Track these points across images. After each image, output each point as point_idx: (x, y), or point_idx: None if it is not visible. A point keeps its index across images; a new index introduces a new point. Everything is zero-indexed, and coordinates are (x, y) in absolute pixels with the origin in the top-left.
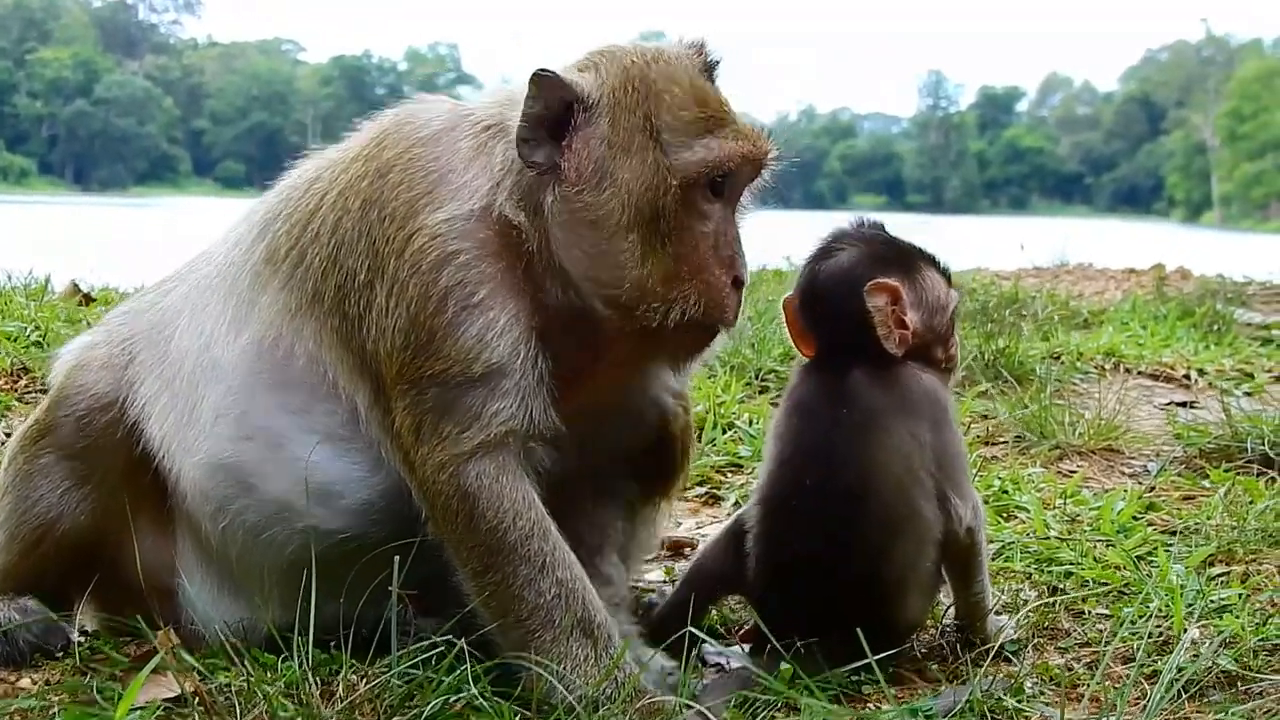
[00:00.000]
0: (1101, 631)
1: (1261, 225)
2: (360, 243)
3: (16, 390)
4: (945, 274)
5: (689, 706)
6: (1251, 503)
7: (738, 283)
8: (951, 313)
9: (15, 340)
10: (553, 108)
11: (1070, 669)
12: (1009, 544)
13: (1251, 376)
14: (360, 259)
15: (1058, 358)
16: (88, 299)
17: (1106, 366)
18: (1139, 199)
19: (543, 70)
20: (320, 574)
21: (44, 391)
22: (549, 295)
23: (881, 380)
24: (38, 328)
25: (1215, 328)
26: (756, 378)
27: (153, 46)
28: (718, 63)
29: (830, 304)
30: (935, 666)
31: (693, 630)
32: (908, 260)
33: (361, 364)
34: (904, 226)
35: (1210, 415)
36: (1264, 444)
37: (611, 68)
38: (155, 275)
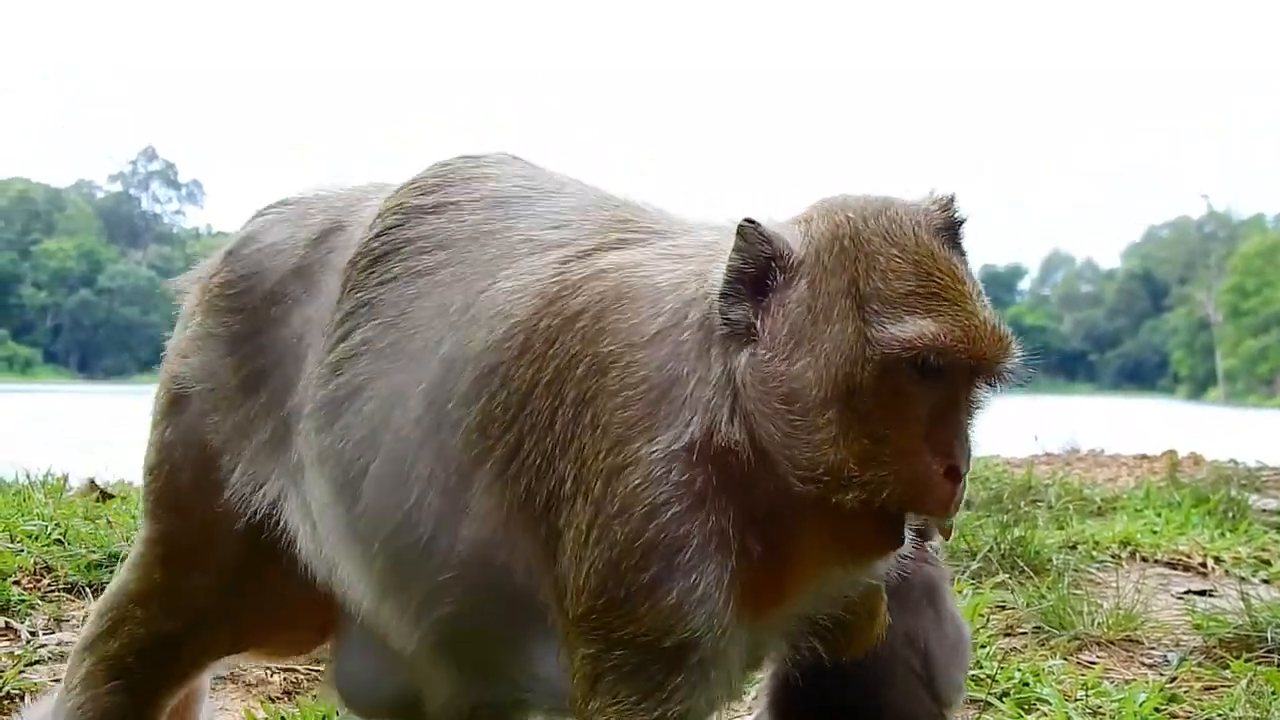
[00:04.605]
0: None
1: (1267, 401)
2: (571, 446)
3: (40, 589)
4: None
5: None
6: (1274, 694)
7: (952, 472)
8: None
9: (36, 539)
10: (753, 263)
11: None
12: None
13: (1269, 564)
14: (569, 465)
15: (1074, 547)
16: (105, 495)
17: (1123, 555)
18: (1144, 375)
19: (748, 220)
20: None
21: (67, 590)
22: (758, 499)
23: None
24: (58, 525)
25: (1230, 515)
26: None
27: (156, 236)
28: (962, 223)
29: None
30: None
31: None
32: None
33: (554, 584)
34: None
35: (1228, 604)
36: None
37: (823, 223)
38: None
